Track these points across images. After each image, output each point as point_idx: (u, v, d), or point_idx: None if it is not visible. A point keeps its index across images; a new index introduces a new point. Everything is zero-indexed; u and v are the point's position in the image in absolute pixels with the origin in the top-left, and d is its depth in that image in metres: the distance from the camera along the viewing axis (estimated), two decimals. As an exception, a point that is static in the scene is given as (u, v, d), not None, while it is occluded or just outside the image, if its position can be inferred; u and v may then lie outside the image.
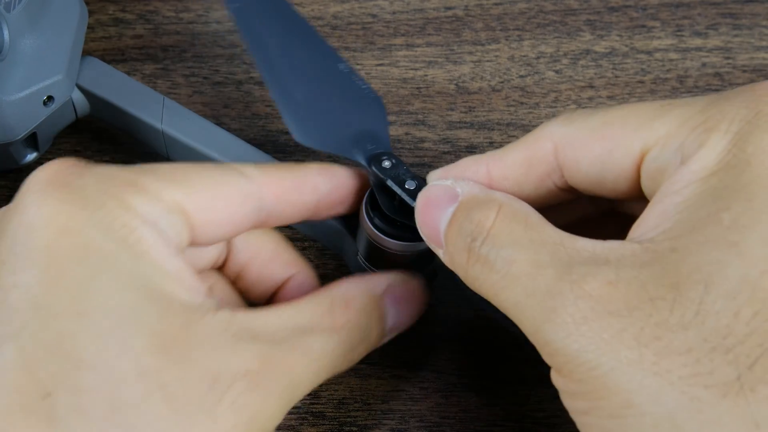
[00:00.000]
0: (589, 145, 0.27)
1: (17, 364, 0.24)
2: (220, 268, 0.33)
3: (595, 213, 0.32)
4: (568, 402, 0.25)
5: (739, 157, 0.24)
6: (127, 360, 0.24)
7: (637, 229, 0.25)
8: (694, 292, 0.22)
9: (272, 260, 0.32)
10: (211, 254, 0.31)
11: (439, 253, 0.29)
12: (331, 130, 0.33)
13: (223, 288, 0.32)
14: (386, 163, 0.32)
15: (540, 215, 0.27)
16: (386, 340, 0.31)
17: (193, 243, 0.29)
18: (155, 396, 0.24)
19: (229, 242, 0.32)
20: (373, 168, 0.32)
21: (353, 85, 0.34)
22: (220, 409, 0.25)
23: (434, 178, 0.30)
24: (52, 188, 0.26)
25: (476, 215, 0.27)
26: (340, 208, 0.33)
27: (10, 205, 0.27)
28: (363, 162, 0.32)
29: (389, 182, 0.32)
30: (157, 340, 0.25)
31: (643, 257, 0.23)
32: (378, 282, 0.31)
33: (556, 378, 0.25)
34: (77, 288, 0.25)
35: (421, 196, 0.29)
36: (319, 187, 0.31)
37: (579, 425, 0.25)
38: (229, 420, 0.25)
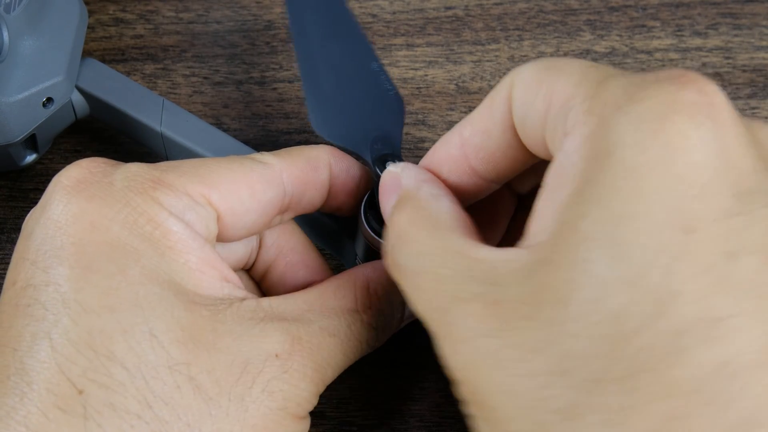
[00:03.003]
0: (534, 92, 0.25)
1: (50, 362, 0.24)
2: (249, 270, 0.33)
3: None
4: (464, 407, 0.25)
5: (601, 146, 0.22)
6: (156, 354, 0.24)
7: (530, 228, 0.24)
8: (551, 313, 0.22)
9: (299, 263, 0.32)
10: (241, 253, 0.32)
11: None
12: (348, 125, 0.33)
13: (249, 288, 0.33)
14: (390, 165, 0.32)
15: (455, 213, 0.27)
16: (402, 325, 0.32)
17: (224, 237, 0.29)
18: (186, 388, 0.24)
19: (258, 240, 0.32)
20: (376, 168, 0.32)
21: (380, 85, 0.34)
22: (252, 396, 0.25)
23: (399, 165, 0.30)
24: (80, 187, 0.27)
25: (396, 216, 0.27)
26: (347, 201, 0.33)
27: (38, 206, 0.27)
28: (369, 161, 0.32)
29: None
30: (185, 332, 0.25)
31: (526, 270, 0.23)
32: None
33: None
34: (106, 284, 0.25)
35: (382, 180, 0.30)
36: (332, 165, 0.31)
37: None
38: (261, 407, 0.25)
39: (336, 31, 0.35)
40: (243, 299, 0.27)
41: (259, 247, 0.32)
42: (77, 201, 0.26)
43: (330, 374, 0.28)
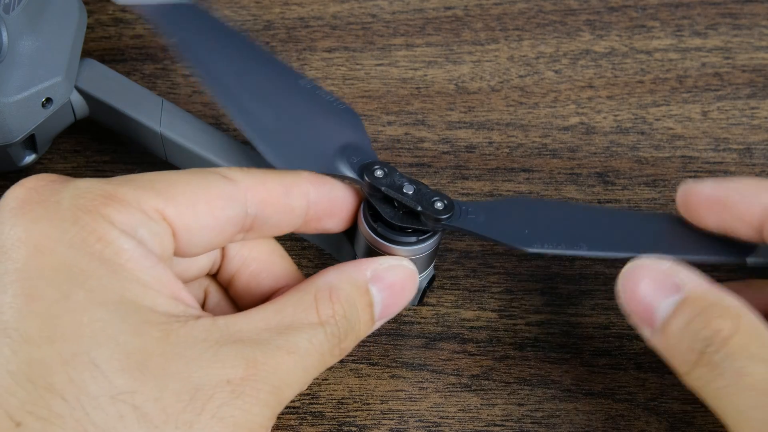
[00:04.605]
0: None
1: None
2: (216, 276, 0.32)
3: None
4: None
5: None
6: (98, 383, 0.24)
7: None
8: None
9: (262, 271, 0.32)
10: (203, 262, 0.31)
11: (645, 331, 0.29)
12: (311, 150, 0.32)
13: (215, 294, 0.32)
14: (378, 173, 0.32)
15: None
16: (376, 327, 0.31)
17: (181, 253, 0.28)
18: (129, 417, 0.24)
19: (223, 248, 0.32)
20: (366, 179, 0.32)
21: (321, 100, 0.33)
22: (201, 422, 0.24)
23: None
24: (27, 207, 0.26)
25: (714, 323, 0.27)
26: (332, 223, 0.32)
27: None
28: (353, 175, 0.32)
29: (385, 190, 0.32)
30: (130, 358, 0.24)
31: None
32: (362, 269, 0.30)
33: None
34: (48, 311, 0.24)
35: (633, 268, 0.30)
36: (309, 194, 0.31)
37: None
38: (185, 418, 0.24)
39: (245, 63, 0.34)
40: (198, 317, 0.26)
41: (222, 257, 0.32)
42: (22, 223, 0.25)
43: (288, 394, 0.27)
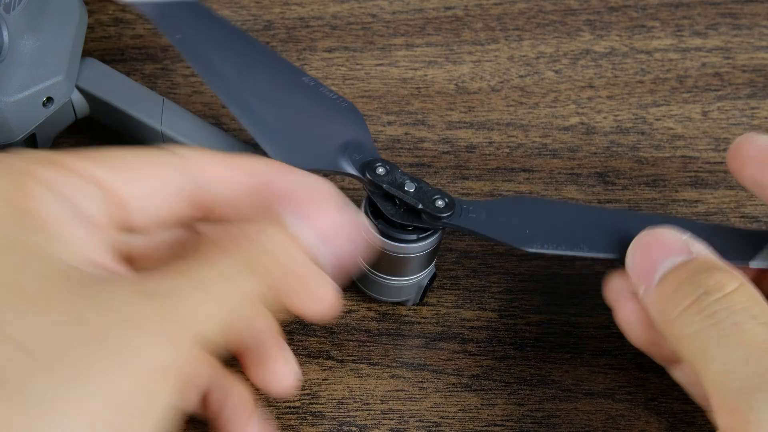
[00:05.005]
0: None
1: None
2: None
3: None
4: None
5: None
6: None
7: None
8: None
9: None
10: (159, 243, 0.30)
11: (641, 289, 0.29)
12: (314, 147, 0.32)
13: None
14: (380, 170, 0.32)
15: None
16: (326, 260, 0.29)
17: (132, 224, 0.28)
18: (5, 347, 0.23)
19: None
20: (368, 176, 0.32)
21: (323, 98, 0.33)
22: (94, 356, 0.23)
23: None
24: None
25: (717, 276, 0.28)
26: (297, 212, 0.29)
27: None
28: (355, 172, 0.32)
29: (387, 188, 0.32)
30: (22, 295, 0.24)
31: None
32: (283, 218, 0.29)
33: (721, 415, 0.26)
34: None
35: (649, 233, 0.30)
36: (258, 172, 0.29)
37: None
38: (105, 362, 0.23)
39: (248, 62, 0.34)
40: (116, 281, 0.26)
41: None
42: None
43: (202, 326, 0.25)
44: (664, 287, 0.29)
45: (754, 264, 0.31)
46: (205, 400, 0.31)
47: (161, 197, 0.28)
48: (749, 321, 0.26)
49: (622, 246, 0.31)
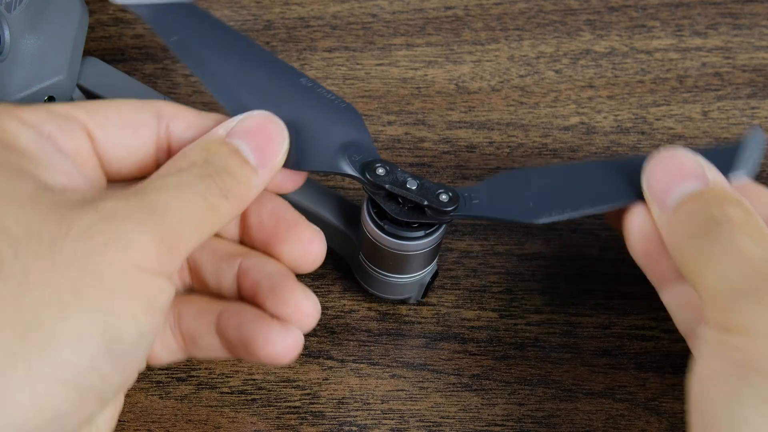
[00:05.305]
0: None
1: None
2: None
3: None
4: (721, 349, 0.27)
5: None
6: None
7: None
8: None
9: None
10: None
11: (655, 209, 0.31)
12: (312, 148, 0.32)
13: None
14: (380, 170, 0.32)
15: None
16: (268, 175, 0.30)
17: (102, 153, 0.30)
18: None
19: None
20: (369, 177, 0.32)
21: (322, 98, 0.33)
22: (68, 240, 0.24)
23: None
24: None
25: (729, 209, 0.29)
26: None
27: None
28: (355, 173, 0.32)
29: (390, 188, 0.32)
30: (10, 196, 0.25)
31: None
32: (213, 130, 0.30)
33: (715, 331, 0.27)
34: None
35: (667, 154, 0.31)
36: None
37: (715, 368, 0.27)
38: (79, 250, 0.24)
39: (245, 63, 0.34)
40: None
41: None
42: None
43: (176, 227, 0.26)
44: (679, 214, 0.30)
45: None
46: (239, 281, 0.32)
47: (128, 129, 0.30)
48: (750, 245, 0.28)
49: (621, 194, 0.32)
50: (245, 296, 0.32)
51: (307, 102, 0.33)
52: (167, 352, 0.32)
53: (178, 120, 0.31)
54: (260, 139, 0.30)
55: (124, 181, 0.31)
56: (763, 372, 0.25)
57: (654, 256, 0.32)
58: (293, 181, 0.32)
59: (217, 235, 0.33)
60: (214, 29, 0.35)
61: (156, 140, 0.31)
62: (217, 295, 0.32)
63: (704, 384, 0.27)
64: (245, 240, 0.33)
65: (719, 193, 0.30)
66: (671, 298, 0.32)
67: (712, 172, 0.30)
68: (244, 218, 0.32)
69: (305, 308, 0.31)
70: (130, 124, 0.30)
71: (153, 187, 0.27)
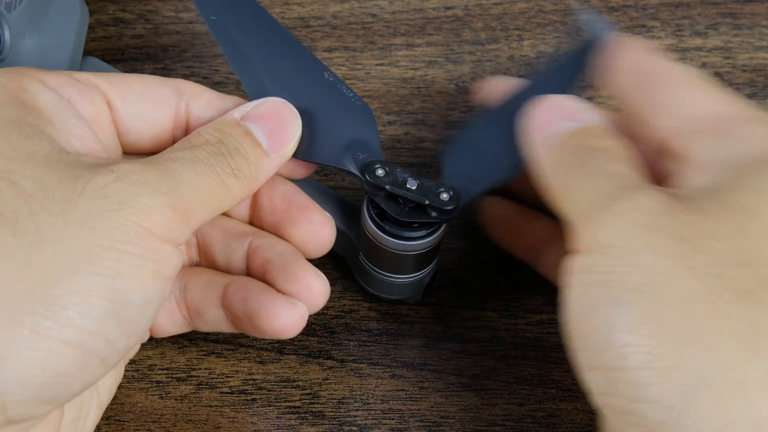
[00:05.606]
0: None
1: None
2: None
3: None
4: (585, 274, 0.26)
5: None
6: None
7: (686, 177, 0.28)
8: (740, 217, 0.25)
9: None
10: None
11: (533, 145, 0.30)
12: (320, 140, 0.32)
13: None
14: (380, 171, 0.32)
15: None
16: (280, 160, 0.31)
17: (120, 124, 0.30)
18: (6, 191, 0.25)
19: None
20: (367, 177, 0.32)
21: (340, 94, 0.33)
22: (83, 198, 0.25)
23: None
24: None
25: (604, 141, 0.29)
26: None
27: None
28: (355, 172, 0.32)
29: (390, 188, 0.32)
30: (15, 151, 0.25)
31: (699, 192, 0.27)
32: (229, 113, 0.31)
33: (579, 257, 0.27)
34: None
35: (546, 97, 0.31)
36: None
37: (582, 296, 0.26)
38: (94, 208, 0.25)
39: (275, 49, 0.34)
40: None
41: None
42: None
43: (188, 198, 0.27)
44: (556, 150, 0.29)
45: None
46: (249, 259, 0.32)
47: (148, 101, 0.31)
48: (616, 166, 0.28)
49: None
50: (254, 274, 0.32)
51: (324, 95, 0.33)
52: (171, 323, 0.32)
53: (199, 99, 0.31)
54: (274, 125, 0.31)
55: (138, 154, 0.31)
56: (629, 288, 0.25)
57: (517, 234, 0.33)
58: (306, 167, 0.33)
59: (227, 215, 0.33)
60: (252, 14, 0.35)
61: (174, 117, 0.31)
62: (226, 272, 0.33)
63: (578, 318, 0.26)
64: (255, 222, 0.33)
65: (595, 130, 0.30)
66: (546, 266, 0.33)
67: (587, 112, 0.30)
68: (255, 200, 0.33)
69: (315, 287, 0.31)
70: (151, 98, 0.31)
71: (168, 157, 0.28)
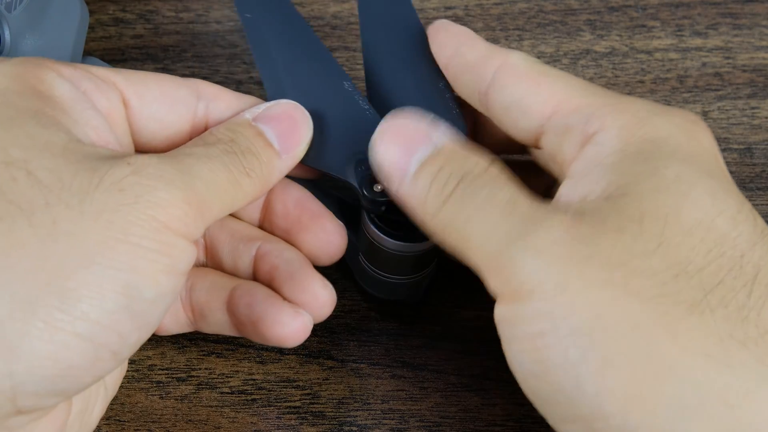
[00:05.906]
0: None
1: None
2: None
3: None
4: (519, 326, 0.25)
5: (652, 134, 0.27)
6: None
7: (570, 189, 0.27)
8: (655, 227, 0.24)
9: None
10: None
11: (393, 185, 0.29)
12: (328, 149, 0.32)
13: None
14: (378, 188, 0.32)
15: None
16: (292, 160, 0.31)
17: (135, 124, 0.30)
18: (22, 181, 0.24)
19: None
20: (363, 191, 0.31)
21: (355, 105, 0.33)
22: (99, 191, 0.25)
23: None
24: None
25: (470, 162, 0.28)
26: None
27: None
28: (355, 185, 0.32)
29: (384, 209, 0.31)
30: (32, 140, 0.25)
31: (595, 204, 0.26)
32: (241, 113, 0.31)
33: (505, 306, 0.26)
34: None
35: (387, 128, 0.29)
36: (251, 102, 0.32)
37: (526, 350, 0.25)
38: (110, 201, 0.25)
39: (301, 53, 0.34)
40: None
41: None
42: None
43: (203, 192, 0.27)
44: (418, 184, 0.28)
45: None
46: (256, 264, 0.32)
47: (165, 104, 0.30)
48: (497, 191, 0.27)
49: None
50: (261, 280, 0.32)
51: (339, 105, 0.33)
52: (175, 323, 0.32)
53: (218, 101, 0.31)
54: (285, 127, 0.31)
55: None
56: (574, 330, 0.24)
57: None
58: (312, 171, 0.33)
59: (237, 217, 0.33)
60: (286, 15, 0.35)
61: (192, 119, 0.31)
62: (232, 275, 0.33)
63: (534, 376, 0.25)
64: (266, 226, 0.33)
65: (455, 153, 0.28)
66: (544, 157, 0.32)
67: (437, 134, 0.29)
68: (268, 204, 0.33)
69: (322, 297, 0.31)
70: (168, 99, 0.31)
71: (183, 152, 0.28)
